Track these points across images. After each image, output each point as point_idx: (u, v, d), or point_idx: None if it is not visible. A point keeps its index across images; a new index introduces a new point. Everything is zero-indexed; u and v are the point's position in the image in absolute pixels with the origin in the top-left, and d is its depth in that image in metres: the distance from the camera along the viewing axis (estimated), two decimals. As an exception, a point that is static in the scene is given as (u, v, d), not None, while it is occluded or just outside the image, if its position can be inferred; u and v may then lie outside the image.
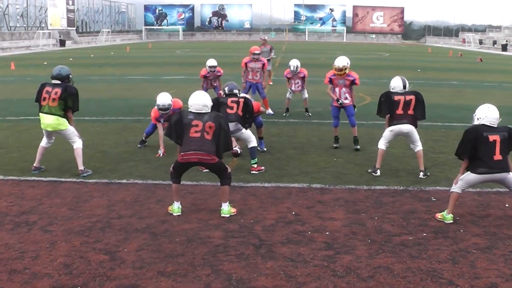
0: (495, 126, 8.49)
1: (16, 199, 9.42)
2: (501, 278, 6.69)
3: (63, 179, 10.60)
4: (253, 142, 11.34)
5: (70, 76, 11.00)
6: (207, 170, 10.05)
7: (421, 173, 11.03)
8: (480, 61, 51.72)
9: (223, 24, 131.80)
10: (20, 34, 74.20)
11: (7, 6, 75.28)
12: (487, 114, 8.55)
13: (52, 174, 10.88)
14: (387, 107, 11.11)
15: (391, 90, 11.30)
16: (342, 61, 13.02)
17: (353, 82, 13.21)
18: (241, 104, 11.27)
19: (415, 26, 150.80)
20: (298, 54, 51.92)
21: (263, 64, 18.08)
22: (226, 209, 8.75)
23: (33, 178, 10.68)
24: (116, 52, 62.08)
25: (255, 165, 11.24)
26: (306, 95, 18.45)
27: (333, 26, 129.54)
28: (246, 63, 17.98)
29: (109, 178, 10.65)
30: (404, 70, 37.04)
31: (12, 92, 24.24)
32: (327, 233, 8.01)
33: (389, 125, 11.14)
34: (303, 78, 18.33)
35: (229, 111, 11.17)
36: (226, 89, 11.71)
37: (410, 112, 11.01)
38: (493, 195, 9.95)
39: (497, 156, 8.36)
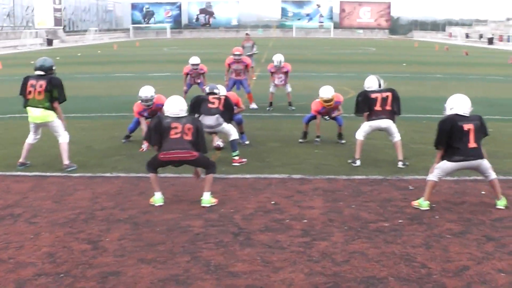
0: (468, 115, 8.70)
1: (1, 193, 9.56)
2: (473, 261, 6.88)
3: (48, 174, 10.74)
4: (234, 135, 11.54)
5: (54, 68, 11.10)
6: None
7: (400, 163, 11.24)
8: (466, 55, 52.04)
9: (211, 21, 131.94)
10: (7, 33, 74.14)
11: (-6, 6, 75.16)
12: (459, 104, 8.77)
13: (38, 169, 11.03)
14: (366, 104, 11.41)
15: (367, 89, 11.62)
16: (328, 92, 13.25)
17: (339, 104, 13.55)
18: (222, 100, 11.52)
19: (402, 21, 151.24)
20: (285, 50, 52.11)
21: (246, 65, 18.39)
22: (207, 198, 8.93)
23: (18, 173, 10.82)
24: (103, 51, 62.11)
25: (237, 157, 11.43)
26: (290, 89, 18.61)
27: (320, 22, 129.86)
28: (229, 64, 18.36)
29: (93, 172, 10.80)
30: (390, 64, 37.32)
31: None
32: (304, 220, 8.20)
33: (368, 121, 11.44)
34: (286, 73, 18.47)
35: (210, 105, 11.39)
36: (207, 89, 11.99)
37: (388, 107, 11.34)
38: (469, 183, 10.16)
39: (472, 144, 8.58)
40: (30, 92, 10.84)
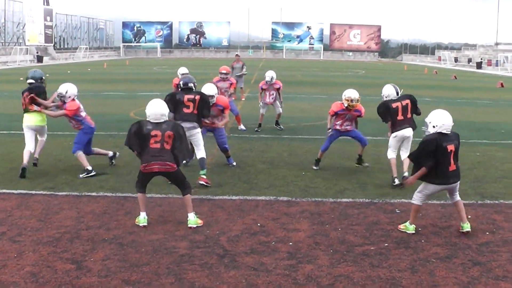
0: (449, 133, 8.63)
1: (-15, 212, 9.50)
2: (459, 285, 6.88)
3: (33, 192, 10.68)
4: (202, 153, 11.44)
5: (43, 78, 12.30)
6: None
7: (406, 173, 11.19)
8: (454, 79, 52.32)
9: (201, 41, 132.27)
10: (-3, 49, 74.04)
11: (-15, 22, 75.15)
12: (444, 122, 8.60)
13: (24, 187, 10.96)
14: (388, 115, 11.49)
15: (385, 99, 11.67)
16: (355, 93, 12.52)
17: (359, 116, 12.86)
18: (197, 101, 11.38)
19: (392, 44, 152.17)
20: (275, 71, 52.14)
21: (231, 84, 18.16)
22: (193, 219, 8.90)
23: (3, 190, 10.75)
24: (93, 69, 62.09)
25: (204, 176, 11.29)
26: (281, 110, 18.52)
27: (310, 44, 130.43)
28: (214, 83, 17.40)
29: (79, 191, 10.75)
30: (378, 87, 37.38)
31: (-13, 107, 24.25)
32: (290, 243, 8.17)
33: (392, 132, 11.52)
34: (278, 90, 18.37)
35: (185, 110, 11.30)
36: (181, 83, 11.75)
37: (409, 115, 11.49)
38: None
39: (452, 167, 8.57)
40: (22, 103, 11.96)
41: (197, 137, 11.45)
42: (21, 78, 39.93)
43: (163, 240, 8.22)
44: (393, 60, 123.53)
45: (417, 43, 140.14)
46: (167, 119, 9.10)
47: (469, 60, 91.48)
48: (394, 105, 11.43)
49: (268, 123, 18.97)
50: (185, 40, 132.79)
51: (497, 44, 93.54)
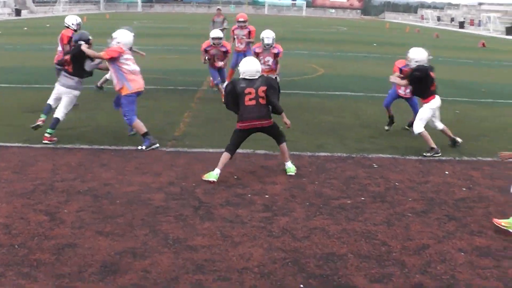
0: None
1: (-41, 163, 9.37)
2: (434, 239, 6.89)
3: (9, 144, 10.52)
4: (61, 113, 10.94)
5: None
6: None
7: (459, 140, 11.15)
8: (436, 37, 52.20)
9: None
10: (-26, 2, 72.88)
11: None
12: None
13: (-1, 139, 10.82)
14: (424, 83, 10.58)
15: (414, 64, 10.74)
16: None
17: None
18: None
19: (375, 2, 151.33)
20: (257, 27, 51.79)
21: (249, 32, 17.19)
22: (291, 166, 9.23)
23: (-22, 142, 10.60)
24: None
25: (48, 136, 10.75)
26: (278, 79, 13.61)
27: (293, 0, 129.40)
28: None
29: (55, 143, 10.60)
30: (361, 44, 37.31)
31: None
32: (266, 196, 8.15)
33: (425, 101, 10.71)
34: (276, 56, 14.45)
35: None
36: (76, 36, 11.34)
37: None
38: (434, 163, 10.16)
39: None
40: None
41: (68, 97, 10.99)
42: (25, 28, 39.45)
43: (138, 192, 8.15)
44: (375, 18, 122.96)
45: (400, 1, 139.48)
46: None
47: (452, 20, 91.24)
48: (433, 74, 10.56)
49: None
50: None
51: (480, 4, 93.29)
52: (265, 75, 9.81)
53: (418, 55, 10.80)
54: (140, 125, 10.43)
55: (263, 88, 8.90)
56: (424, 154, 10.57)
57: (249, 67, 9.01)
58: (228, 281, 5.66)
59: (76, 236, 6.62)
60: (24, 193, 8.00)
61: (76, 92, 10.97)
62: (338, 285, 5.68)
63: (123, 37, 10.78)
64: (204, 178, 8.78)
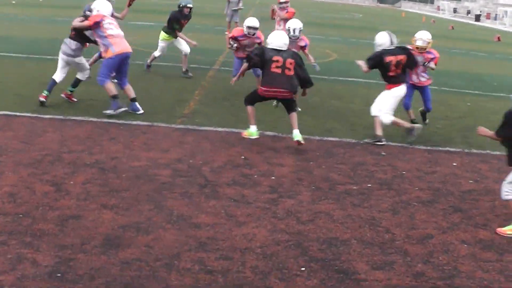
0: None
1: (-33, 131, 9.38)
2: (438, 230, 6.87)
3: (18, 113, 10.52)
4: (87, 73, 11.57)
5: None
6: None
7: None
8: (451, 29, 51.89)
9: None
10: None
11: None
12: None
13: (8, 108, 10.80)
14: (378, 68, 10.38)
15: (378, 48, 10.39)
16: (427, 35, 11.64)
17: (432, 60, 11.64)
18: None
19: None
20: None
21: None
22: (299, 134, 9.46)
23: (-13, 111, 10.60)
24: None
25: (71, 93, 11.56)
26: (317, 69, 13.72)
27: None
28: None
29: (64, 115, 10.60)
30: (375, 31, 37.07)
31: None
32: (273, 177, 8.13)
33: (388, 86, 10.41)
34: (303, 48, 12.92)
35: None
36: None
37: (400, 71, 10.43)
38: (443, 154, 10.12)
39: None
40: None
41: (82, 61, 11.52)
42: (13, 1, 39.43)
43: (145, 167, 8.15)
44: (391, 7, 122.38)
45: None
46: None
47: (468, 12, 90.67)
48: (387, 59, 10.09)
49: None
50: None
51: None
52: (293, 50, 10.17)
53: (378, 39, 10.38)
54: (111, 87, 10.80)
55: (291, 60, 9.32)
56: (367, 140, 10.36)
57: (278, 38, 9.46)
58: (230, 260, 5.66)
59: (81, 208, 6.63)
60: (31, 163, 8.01)
61: (78, 59, 11.33)
62: (340, 270, 5.67)
63: (101, 6, 11.12)
64: (245, 136, 9.47)
